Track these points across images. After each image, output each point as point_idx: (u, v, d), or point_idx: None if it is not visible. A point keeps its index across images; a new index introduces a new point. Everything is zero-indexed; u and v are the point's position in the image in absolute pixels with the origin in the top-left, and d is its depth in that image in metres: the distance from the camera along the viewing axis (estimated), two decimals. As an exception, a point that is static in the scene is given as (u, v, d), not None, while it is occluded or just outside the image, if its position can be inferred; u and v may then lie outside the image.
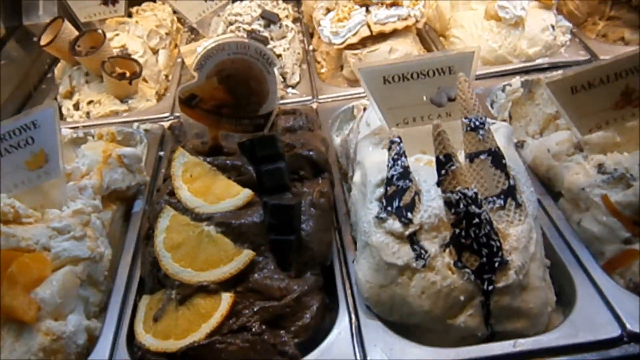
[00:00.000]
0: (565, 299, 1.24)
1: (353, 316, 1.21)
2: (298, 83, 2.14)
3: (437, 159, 1.13)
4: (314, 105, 1.98)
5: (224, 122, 1.37)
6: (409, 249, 1.16)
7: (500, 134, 1.38)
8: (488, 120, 1.24)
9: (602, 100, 1.38)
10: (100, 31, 1.99)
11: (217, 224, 1.25)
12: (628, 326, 1.12)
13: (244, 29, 2.12)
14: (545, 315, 1.16)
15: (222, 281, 1.19)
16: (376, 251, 1.18)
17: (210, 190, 1.31)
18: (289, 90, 2.07)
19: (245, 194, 1.29)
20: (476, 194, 1.11)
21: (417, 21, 2.08)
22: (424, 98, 1.38)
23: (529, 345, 1.11)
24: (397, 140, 1.27)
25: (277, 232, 1.24)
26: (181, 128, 1.70)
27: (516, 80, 1.89)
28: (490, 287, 1.10)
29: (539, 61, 2.02)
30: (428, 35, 2.32)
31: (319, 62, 2.27)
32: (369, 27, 2.02)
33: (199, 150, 1.41)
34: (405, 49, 2.02)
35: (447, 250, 1.15)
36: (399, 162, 1.24)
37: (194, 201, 1.29)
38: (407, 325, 1.20)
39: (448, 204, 1.13)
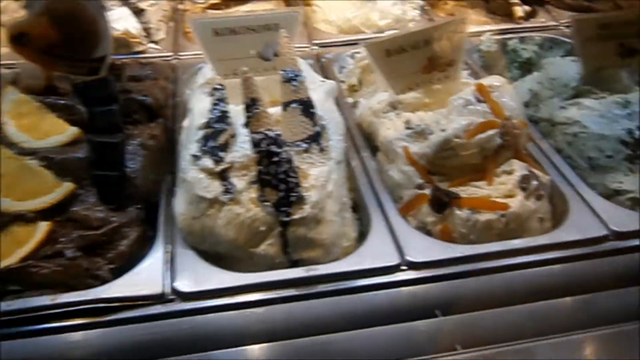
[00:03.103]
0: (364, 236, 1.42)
1: (168, 245, 1.32)
2: (163, 39, 2.18)
3: (245, 102, 1.25)
4: (174, 62, 2.05)
5: (57, 63, 1.42)
6: (219, 184, 1.27)
7: (321, 90, 1.53)
8: (303, 74, 1.38)
9: (412, 64, 1.56)
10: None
11: (41, 158, 1.30)
12: (407, 257, 1.30)
13: (108, -19, 2.14)
14: (339, 246, 1.31)
15: (40, 210, 1.25)
16: (190, 186, 1.29)
17: (38, 127, 1.36)
18: (151, 45, 2.11)
19: (72, 131, 1.36)
20: (278, 135, 1.24)
21: (279, -13, 2.19)
22: (252, 52, 1.49)
23: (320, 270, 1.26)
24: (219, 87, 1.39)
25: (100, 168, 1.32)
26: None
27: (364, 49, 2.05)
28: (287, 219, 1.24)
29: (387, 32, 2.18)
30: (297, 3, 2.44)
31: (189, 21, 2.33)
32: (231, -11, 2.11)
33: (33, 90, 1.45)
34: (265, 12, 2.11)
35: (254, 186, 1.28)
36: (218, 107, 1.36)
37: (19, 136, 1.34)
38: (219, 255, 1.32)
39: (253, 143, 1.25)
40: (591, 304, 1.32)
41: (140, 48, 2.08)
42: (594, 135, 1.54)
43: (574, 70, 1.67)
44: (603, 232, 1.37)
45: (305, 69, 1.70)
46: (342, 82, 2.04)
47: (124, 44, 2.06)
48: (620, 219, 1.40)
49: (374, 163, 1.58)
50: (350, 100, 1.87)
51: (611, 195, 1.50)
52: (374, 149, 1.63)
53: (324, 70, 2.04)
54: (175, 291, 1.21)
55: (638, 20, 1.57)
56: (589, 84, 1.66)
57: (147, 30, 2.15)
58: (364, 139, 1.67)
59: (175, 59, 2.07)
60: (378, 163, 1.59)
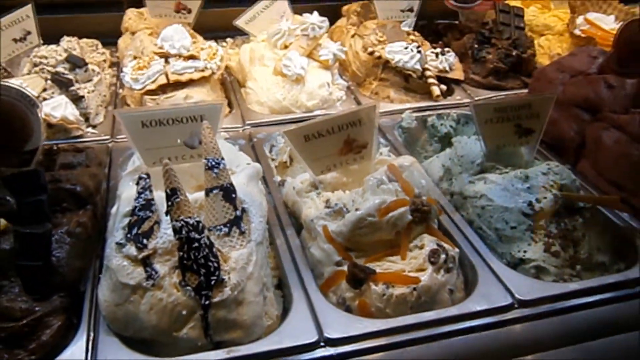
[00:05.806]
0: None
1: (92, 333, 1.35)
2: (101, 123, 2.27)
3: (166, 192, 1.32)
4: (110, 145, 2.13)
5: (-12, 156, 1.48)
6: (142, 270, 1.33)
7: (243, 173, 1.63)
8: (224, 161, 1.47)
9: (329, 147, 1.68)
10: None
11: (-34, 251, 1.34)
12: (325, 334, 1.37)
13: (47, 71, 2.22)
14: (260, 326, 1.37)
15: (-38, 304, 1.27)
16: (114, 273, 1.34)
17: (-35, 219, 1.40)
18: (89, 130, 2.18)
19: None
20: (198, 222, 1.32)
21: (213, 73, 2.31)
22: (178, 141, 1.58)
23: (241, 352, 1.31)
24: (144, 176, 1.46)
25: (24, 258, 1.35)
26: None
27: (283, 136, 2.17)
28: (207, 302, 1.30)
29: (316, 112, 2.33)
30: (232, 85, 2.58)
31: (128, 105, 2.42)
32: (166, 76, 2.22)
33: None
34: (200, 97, 2.23)
35: (176, 271, 1.34)
36: (143, 195, 1.43)
37: (-55, 230, 1.37)
38: (144, 341, 1.36)
39: (174, 230, 1.32)
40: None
41: (79, 133, 2.16)
42: (499, 207, 1.68)
43: (479, 149, 1.82)
44: (509, 300, 1.48)
45: (233, 151, 1.80)
46: (273, 159, 2.15)
47: (61, 129, 2.14)
48: (525, 287, 1.51)
49: (298, 241, 1.67)
50: (278, 178, 1.97)
51: (517, 264, 1.62)
52: (299, 226, 1.72)
53: (255, 150, 2.14)
54: (96, 381, 1.24)
55: (530, 104, 1.74)
56: (493, 160, 1.82)
57: (86, 115, 2.24)
58: (289, 217, 1.76)
59: (112, 142, 2.15)
60: (302, 241, 1.67)
